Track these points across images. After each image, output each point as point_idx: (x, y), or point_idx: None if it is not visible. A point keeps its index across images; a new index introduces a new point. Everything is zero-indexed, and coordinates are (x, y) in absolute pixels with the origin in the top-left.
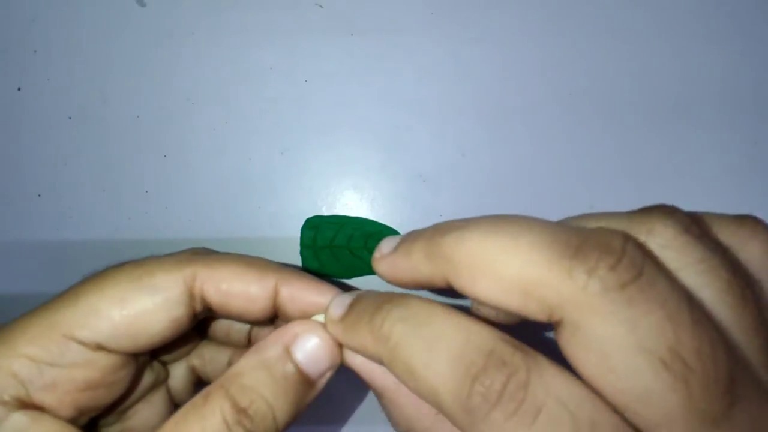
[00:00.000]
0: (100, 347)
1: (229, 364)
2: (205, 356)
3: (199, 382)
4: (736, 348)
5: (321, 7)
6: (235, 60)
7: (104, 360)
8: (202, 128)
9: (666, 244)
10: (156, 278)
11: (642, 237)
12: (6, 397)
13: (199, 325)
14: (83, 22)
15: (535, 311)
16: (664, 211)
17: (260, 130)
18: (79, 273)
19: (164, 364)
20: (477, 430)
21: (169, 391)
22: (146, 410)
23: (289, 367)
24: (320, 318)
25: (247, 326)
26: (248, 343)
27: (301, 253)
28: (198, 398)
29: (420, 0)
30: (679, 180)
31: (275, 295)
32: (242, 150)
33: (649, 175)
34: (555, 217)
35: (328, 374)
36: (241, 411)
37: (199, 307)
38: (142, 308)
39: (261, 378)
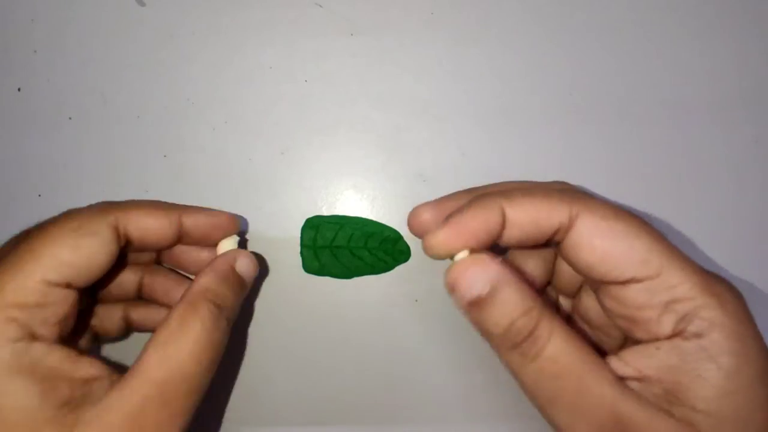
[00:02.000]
0: (68, 285)
1: (124, 318)
2: (100, 314)
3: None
4: None
5: (321, 7)
6: (235, 60)
7: (73, 295)
8: (202, 128)
9: None
10: (93, 226)
11: None
12: (17, 335)
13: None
14: (83, 22)
15: None
16: None
17: (260, 130)
18: None
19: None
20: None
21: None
22: None
23: (237, 277)
24: (230, 243)
25: (136, 280)
26: (138, 293)
27: (302, 253)
28: (185, 307)
29: (420, 0)
30: (679, 179)
31: (180, 225)
32: (242, 150)
33: (649, 174)
34: None
35: (253, 277)
36: (217, 306)
37: (123, 242)
38: (90, 251)
39: (224, 286)
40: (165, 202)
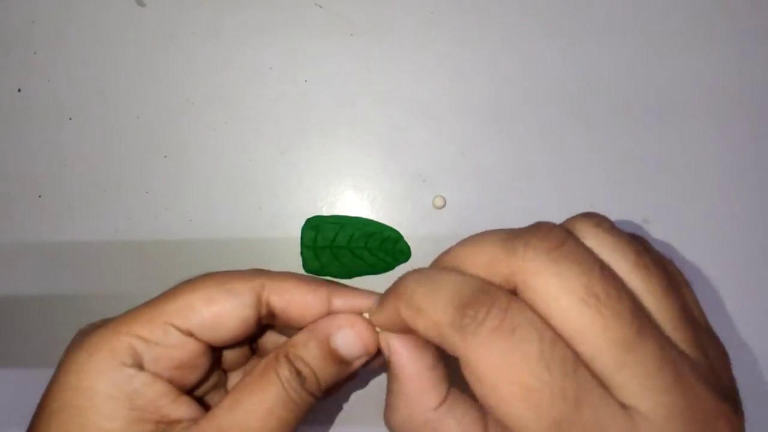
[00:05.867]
0: (190, 334)
1: None
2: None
3: None
4: (636, 296)
5: (321, 7)
6: (235, 60)
7: (192, 345)
8: (202, 128)
9: (586, 235)
10: (235, 285)
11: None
12: (128, 362)
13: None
14: (83, 23)
15: (501, 284)
16: (585, 215)
17: (260, 130)
18: (79, 273)
19: (225, 372)
20: (468, 345)
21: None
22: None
23: (331, 349)
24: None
25: None
26: None
27: (302, 254)
28: (259, 367)
29: (420, 0)
30: (679, 179)
31: (328, 304)
32: (242, 150)
33: (648, 174)
34: (554, 216)
35: (362, 358)
36: (296, 372)
37: (264, 311)
38: (223, 307)
39: (311, 352)
40: (317, 279)
